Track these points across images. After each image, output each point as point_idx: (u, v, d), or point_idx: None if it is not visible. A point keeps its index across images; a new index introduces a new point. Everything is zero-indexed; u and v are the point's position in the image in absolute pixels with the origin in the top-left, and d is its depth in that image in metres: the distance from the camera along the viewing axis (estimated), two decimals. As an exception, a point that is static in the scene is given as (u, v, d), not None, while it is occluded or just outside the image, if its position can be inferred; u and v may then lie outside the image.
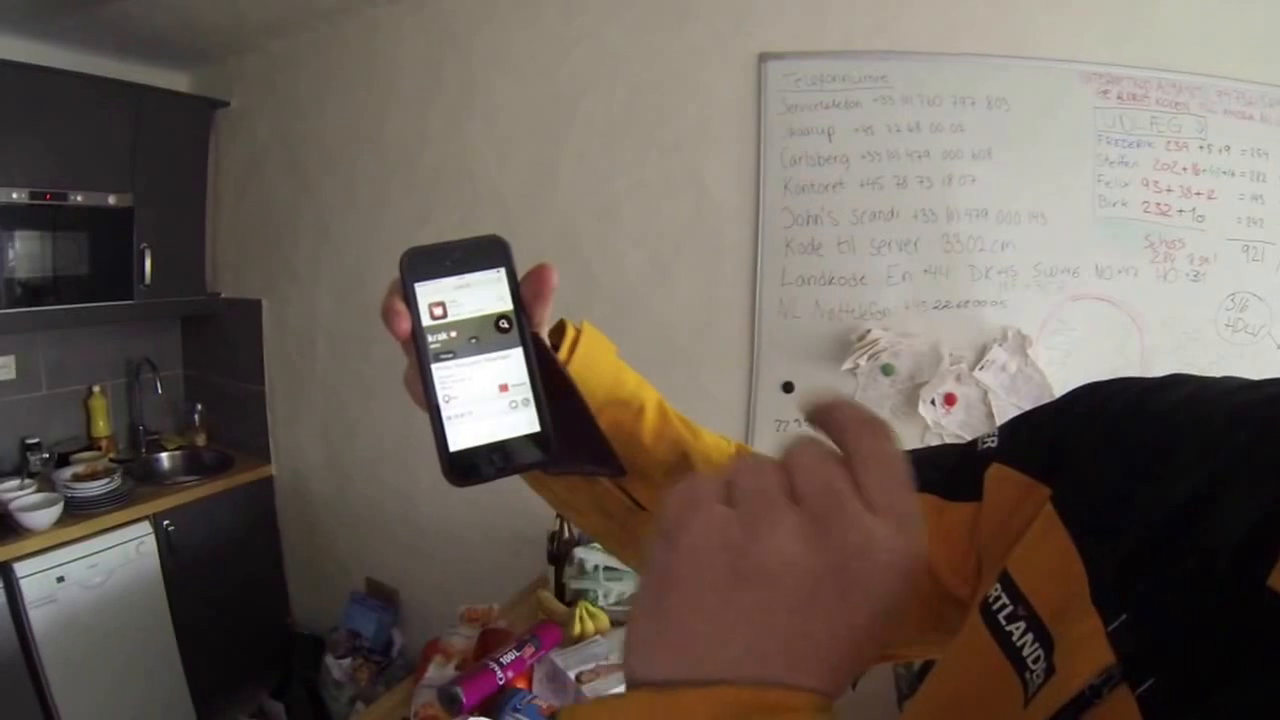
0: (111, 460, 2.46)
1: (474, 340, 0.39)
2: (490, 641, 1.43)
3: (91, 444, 2.56)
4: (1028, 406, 0.47)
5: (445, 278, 0.39)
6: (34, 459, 2.32)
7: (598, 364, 0.47)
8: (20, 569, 1.94)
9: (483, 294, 0.39)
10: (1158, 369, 0.40)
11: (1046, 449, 0.40)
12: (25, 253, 2.16)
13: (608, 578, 1.66)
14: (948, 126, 1.66)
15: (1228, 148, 1.55)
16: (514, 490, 0.49)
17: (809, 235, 1.77)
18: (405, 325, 0.38)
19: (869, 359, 1.73)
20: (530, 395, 0.39)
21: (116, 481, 2.24)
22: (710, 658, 0.24)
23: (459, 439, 0.37)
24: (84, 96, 2.22)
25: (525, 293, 0.40)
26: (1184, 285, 1.60)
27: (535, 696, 1.28)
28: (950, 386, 1.70)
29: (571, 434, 0.41)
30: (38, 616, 1.97)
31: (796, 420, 1.83)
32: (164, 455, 2.71)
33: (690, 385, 1.87)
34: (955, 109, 1.65)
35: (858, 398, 1.77)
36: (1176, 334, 1.62)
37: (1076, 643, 0.30)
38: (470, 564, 2.33)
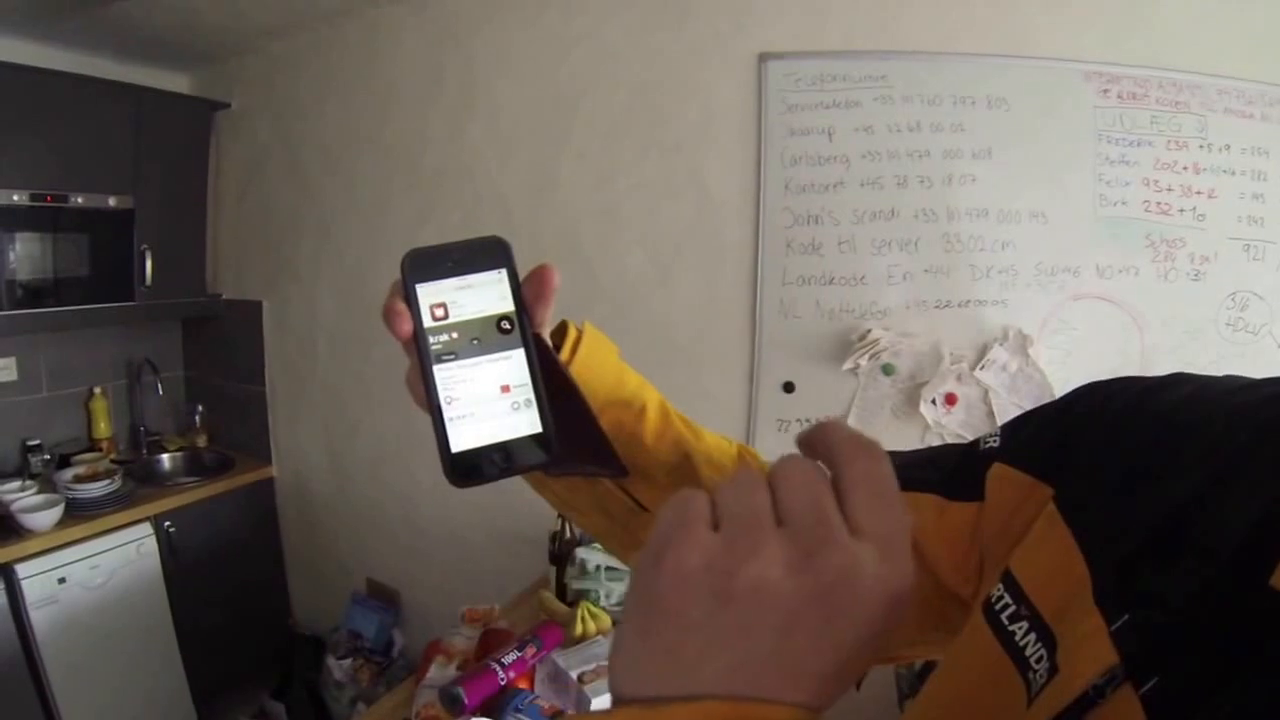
0: (112, 461, 2.46)
1: (475, 341, 0.39)
2: (492, 642, 1.42)
3: (92, 445, 2.56)
4: (1029, 406, 0.47)
5: (446, 279, 0.39)
6: (35, 460, 2.33)
7: (599, 365, 0.47)
8: (22, 570, 1.94)
9: (484, 295, 0.39)
10: (1158, 368, 0.40)
11: (1048, 449, 0.40)
12: (26, 254, 2.16)
13: (609, 578, 1.66)
14: (948, 126, 1.66)
15: (1228, 147, 1.55)
16: (516, 491, 0.49)
17: (809, 235, 1.77)
18: (407, 326, 0.38)
19: (870, 359, 1.73)
20: (532, 396, 0.39)
21: (117, 483, 2.25)
22: (695, 674, 0.24)
23: (461, 440, 0.37)
24: (84, 98, 2.22)
25: (527, 293, 0.40)
26: (1184, 284, 1.60)
27: (537, 697, 1.28)
28: (951, 386, 1.70)
29: (573, 435, 0.41)
30: (39, 617, 1.97)
31: (797, 420, 1.83)
32: (165, 456, 2.71)
33: (691, 385, 1.87)
34: (955, 109, 1.65)
35: (858, 398, 1.77)
36: (1177, 333, 1.62)
37: (1079, 642, 0.31)
38: (471, 564, 2.33)
